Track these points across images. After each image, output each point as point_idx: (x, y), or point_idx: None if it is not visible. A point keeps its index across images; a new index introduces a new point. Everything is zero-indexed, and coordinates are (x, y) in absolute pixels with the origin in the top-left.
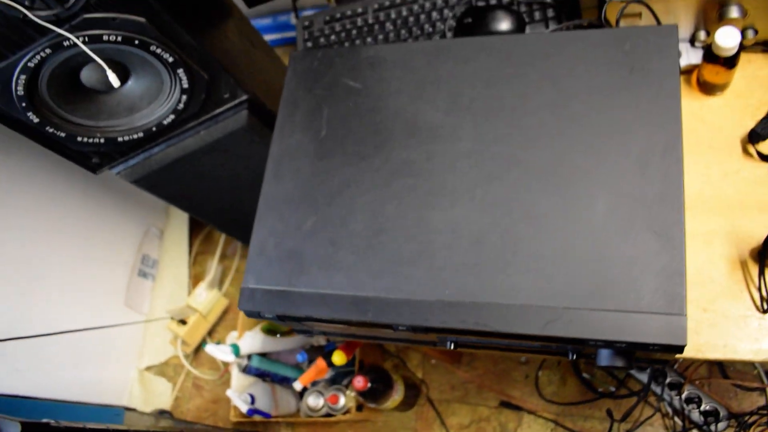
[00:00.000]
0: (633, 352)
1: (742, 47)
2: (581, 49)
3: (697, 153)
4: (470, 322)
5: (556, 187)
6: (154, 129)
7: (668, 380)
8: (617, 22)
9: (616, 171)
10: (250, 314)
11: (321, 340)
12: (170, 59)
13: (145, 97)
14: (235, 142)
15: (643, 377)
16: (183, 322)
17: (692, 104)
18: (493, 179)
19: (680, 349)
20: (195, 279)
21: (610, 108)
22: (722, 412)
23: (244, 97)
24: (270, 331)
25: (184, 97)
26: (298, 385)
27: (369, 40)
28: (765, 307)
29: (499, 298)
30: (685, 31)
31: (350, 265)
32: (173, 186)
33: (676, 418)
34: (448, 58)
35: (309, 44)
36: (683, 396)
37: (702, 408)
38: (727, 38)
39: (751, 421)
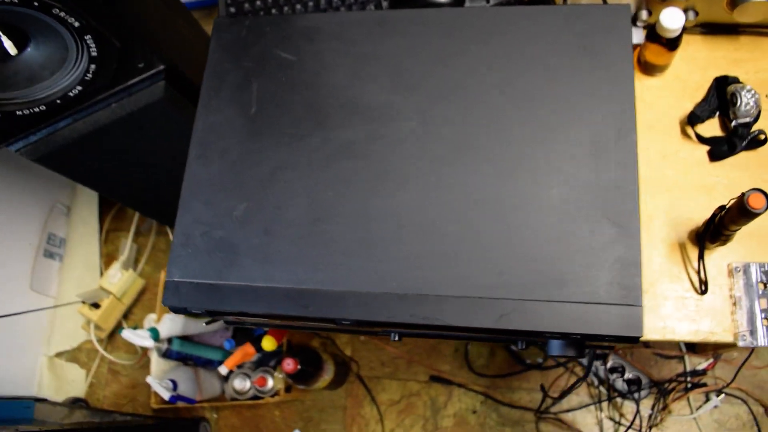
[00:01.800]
0: (584, 342)
1: (683, 29)
2: (530, 27)
3: (638, 134)
4: (419, 316)
5: (508, 172)
6: (58, 102)
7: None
8: None
9: (569, 157)
10: (175, 310)
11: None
12: (76, 24)
13: (48, 66)
14: (152, 115)
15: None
16: (96, 305)
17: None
18: (441, 163)
19: (635, 339)
20: (107, 258)
21: (563, 91)
22: (644, 380)
23: (161, 67)
24: None
25: (93, 66)
26: (223, 369)
27: (298, 6)
28: (703, 288)
29: (450, 290)
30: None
31: (287, 255)
32: (81, 164)
33: (601, 387)
34: (390, 32)
35: (232, 9)
36: (608, 366)
37: (625, 377)
38: (672, 19)
39: (670, 387)
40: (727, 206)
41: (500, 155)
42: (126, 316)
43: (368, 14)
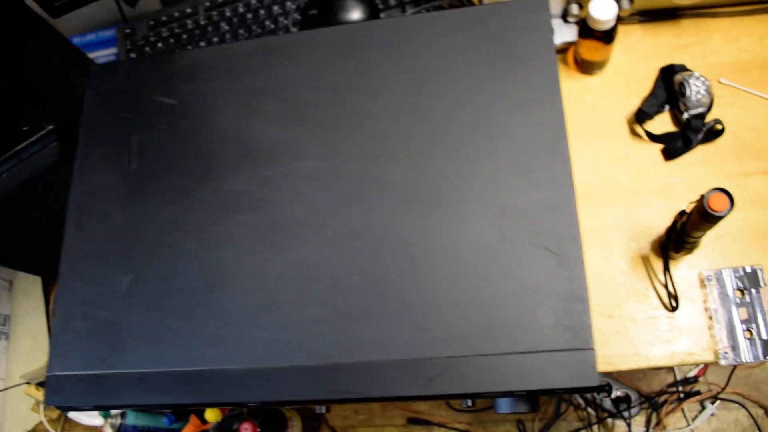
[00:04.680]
0: (537, 394)
1: (619, 19)
2: (440, 35)
3: (581, 140)
4: (333, 391)
5: (426, 207)
6: None
7: None
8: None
9: (495, 180)
10: (63, 409)
11: None
12: None
13: None
14: (48, 180)
15: None
16: (44, 384)
17: (571, 86)
18: (347, 205)
19: (591, 389)
20: None
21: (482, 104)
22: (633, 396)
23: (50, 127)
24: None
25: None
26: None
27: (202, 44)
28: (673, 304)
29: (367, 355)
30: (556, 5)
31: (179, 332)
32: None
33: (589, 409)
34: (283, 59)
35: (133, 56)
36: None
37: (612, 395)
38: (602, 10)
39: (661, 400)
40: (688, 211)
41: (415, 188)
42: None
43: (258, 42)
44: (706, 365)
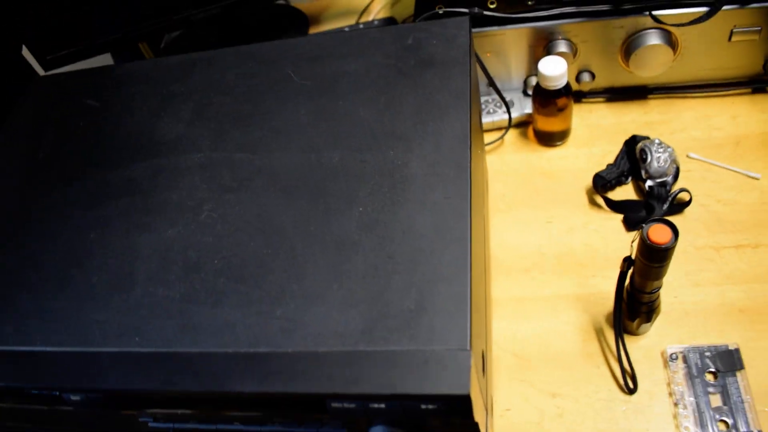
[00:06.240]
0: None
1: (582, 94)
2: (358, 48)
3: (534, 207)
4: (156, 381)
5: (307, 196)
6: None
7: None
8: None
9: (385, 177)
10: None
11: None
12: None
13: None
14: None
15: None
16: None
17: (530, 157)
18: (227, 191)
19: (464, 400)
20: None
21: (389, 104)
22: None
23: None
24: None
25: None
26: None
27: None
28: (631, 385)
29: (202, 344)
30: (517, 78)
31: (25, 310)
32: None
33: None
34: (207, 68)
35: None
36: None
37: None
38: (550, 66)
39: None
40: (634, 257)
41: (302, 179)
42: None
43: (186, 57)
44: None
